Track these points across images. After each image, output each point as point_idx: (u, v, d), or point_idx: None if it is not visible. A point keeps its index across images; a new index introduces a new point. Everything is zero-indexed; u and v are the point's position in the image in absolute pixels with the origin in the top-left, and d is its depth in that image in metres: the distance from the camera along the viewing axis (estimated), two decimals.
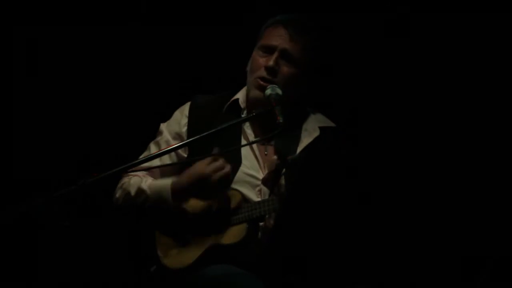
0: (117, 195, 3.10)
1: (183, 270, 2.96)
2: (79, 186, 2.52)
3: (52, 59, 4.11)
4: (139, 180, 3.06)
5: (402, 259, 2.22)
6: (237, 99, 3.14)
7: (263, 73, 3.03)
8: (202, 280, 2.84)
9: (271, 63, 3.02)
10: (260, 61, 3.05)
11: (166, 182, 2.98)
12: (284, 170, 2.95)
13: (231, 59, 3.43)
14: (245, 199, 2.96)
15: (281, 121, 2.84)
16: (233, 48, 3.45)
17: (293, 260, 2.23)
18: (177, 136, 3.12)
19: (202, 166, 2.90)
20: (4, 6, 4.04)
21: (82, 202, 3.82)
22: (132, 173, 3.11)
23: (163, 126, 3.18)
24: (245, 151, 3.06)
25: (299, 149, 3.06)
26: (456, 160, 3.99)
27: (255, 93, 3.03)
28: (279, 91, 2.98)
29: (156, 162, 3.04)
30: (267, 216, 2.92)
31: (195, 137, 2.80)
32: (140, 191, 3.01)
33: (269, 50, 3.05)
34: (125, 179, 3.10)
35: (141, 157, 3.13)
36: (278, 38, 3.06)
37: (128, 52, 4.16)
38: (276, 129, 2.81)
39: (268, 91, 2.98)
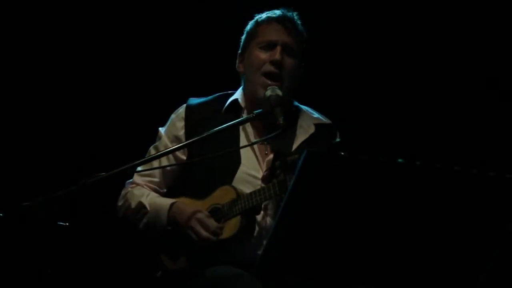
0: (120, 203, 3.13)
1: (184, 269, 2.97)
2: (80, 186, 2.52)
3: (54, 60, 4.12)
4: (141, 193, 3.07)
5: (403, 260, 2.22)
6: (237, 99, 3.14)
7: (269, 67, 3.03)
8: (202, 281, 2.85)
9: (277, 56, 3.02)
10: (263, 57, 3.05)
11: (166, 204, 3.00)
12: (282, 169, 2.96)
13: (223, 60, 3.43)
14: (240, 195, 2.96)
15: (281, 122, 2.85)
16: (225, 49, 3.44)
17: (292, 260, 2.22)
18: (175, 139, 3.11)
19: (201, 220, 2.91)
20: (5, 6, 4.05)
21: (84, 204, 3.83)
22: (137, 181, 3.12)
23: (161, 131, 3.18)
24: (246, 151, 3.06)
25: (295, 146, 3.07)
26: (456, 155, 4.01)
27: (263, 92, 3.02)
28: (279, 92, 2.98)
29: (155, 166, 3.07)
30: (262, 205, 2.93)
31: (194, 139, 2.82)
32: (140, 205, 3.04)
33: (270, 45, 3.06)
34: (129, 188, 3.12)
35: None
36: (277, 33, 3.07)
37: (129, 52, 4.17)
38: (276, 130, 2.83)
39: (268, 92, 2.99)
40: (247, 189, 2.98)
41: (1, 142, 4.05)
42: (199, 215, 2.91)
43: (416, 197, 2.16)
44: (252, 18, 3.16)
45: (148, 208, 3.02)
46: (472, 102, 4.10)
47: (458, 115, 4.11)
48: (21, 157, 4.07)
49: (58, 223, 3.14)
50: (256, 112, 2.90)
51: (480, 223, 2.19)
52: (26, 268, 3.36)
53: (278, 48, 3.04)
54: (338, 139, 3.18)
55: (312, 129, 3.12)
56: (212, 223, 2.90)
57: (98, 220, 4.04)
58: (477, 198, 2.17)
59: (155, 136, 3.20)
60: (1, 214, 2.67)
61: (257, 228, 2.97)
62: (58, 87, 4.12)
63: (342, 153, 2.14)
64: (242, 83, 3.17)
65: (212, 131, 2.81)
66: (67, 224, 3.14)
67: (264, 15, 3.13)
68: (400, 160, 2.13)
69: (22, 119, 4.09)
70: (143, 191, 3.09)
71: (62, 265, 3.47)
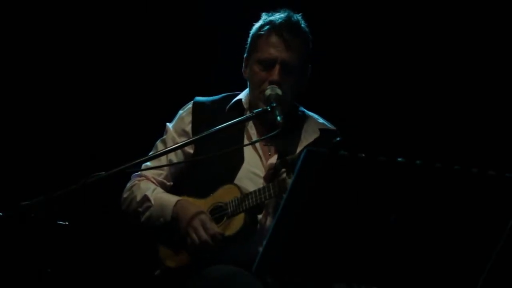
0: (125, 195, 3.14)
1: (184, 267, 2.98)
2: (80, 186, 2.52)
3: (53, 60, 4.12)
4: (147, 187, 3.09)
5: (403, 259, 2.22)
6: (241, 99, 3.15)
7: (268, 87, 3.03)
8: (203, 281, 2.86)
9: (275, 77, 3.02)
10: (263, 75, 3.05)
11: (171, 201, 3.01)
12: (283, 169, 2.97)
13: (230, 61, 3.44)
14: (243, 193, 2.97)
15: (280, 121, 2.86)
16: (232, 50, 3.45)
17: (292, 260, 2.23)
18: (183, 132, 3.14)
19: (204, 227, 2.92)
20: (5, 7, 4.06)
21: (84, 204, 3.83)
22: (144, 174, 3.13)
23: (169, 126, 3.20)
24: (249, 152, 3.09)
25: (299, 149, 3.08)
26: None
27: (264, 104, 3.02)
28: (279, 91, 3.00)
29: (163, 160, 3.10)
30: (264, 203, 2.95)
31: (200, 135, 2.87)
32: (145, 198, 3.05)
33: (269, 63, 3.04)
34: (136, 181, 3.13)
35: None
36: (275, 49, 3.04)
37: (130, 51, 4.17)
38: (275, 129, 2.84)
39: (267, 92, 3.00)
40: (249, 187, 3.00)
41: (1, 142, 4.05)
42: (202, 217, 2.93)
43: (416, 196, 2.16)
44: (259, 18, 3.14)
45: (153, 202, 3.03)
46: (472, 102, 4.10)
47: (458, 115, 4.11)
48: (21, 157, 4.07)
49: (58, 222, 3.13)
50: (256, 111, 2.93)
51: (480, 222, 2.19)
52: (26, 268, 3.36)
53: (277, 68, 3.03)
54: (338, 138, 3.18)
55: (316, 134, 3.15)
56: (213, 226, 2.91)
57: (98, 219, 4.04)
58: (477, 197, 2.17)
59: (155, 136, 3.22)
60: (1, 214, 2.66)
61: (258, 227, 2.98)
62: (58, 86, 4.12)
63: (342, 152, 2.14)
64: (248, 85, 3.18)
65: (214, 129, 2.84)
66: (67, 223, 3.14)
67: (266, 23, 3.08)
68: (400, 159, 2.13)
69: (22, 119, 4.09)
70: (150, 185, 3.11)
71: (62, 264, 3.47)
